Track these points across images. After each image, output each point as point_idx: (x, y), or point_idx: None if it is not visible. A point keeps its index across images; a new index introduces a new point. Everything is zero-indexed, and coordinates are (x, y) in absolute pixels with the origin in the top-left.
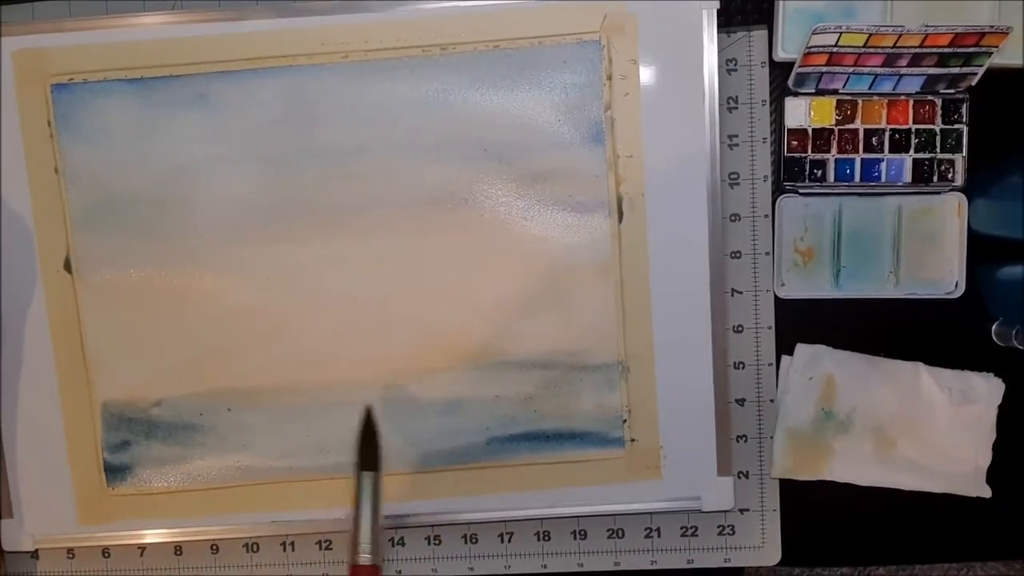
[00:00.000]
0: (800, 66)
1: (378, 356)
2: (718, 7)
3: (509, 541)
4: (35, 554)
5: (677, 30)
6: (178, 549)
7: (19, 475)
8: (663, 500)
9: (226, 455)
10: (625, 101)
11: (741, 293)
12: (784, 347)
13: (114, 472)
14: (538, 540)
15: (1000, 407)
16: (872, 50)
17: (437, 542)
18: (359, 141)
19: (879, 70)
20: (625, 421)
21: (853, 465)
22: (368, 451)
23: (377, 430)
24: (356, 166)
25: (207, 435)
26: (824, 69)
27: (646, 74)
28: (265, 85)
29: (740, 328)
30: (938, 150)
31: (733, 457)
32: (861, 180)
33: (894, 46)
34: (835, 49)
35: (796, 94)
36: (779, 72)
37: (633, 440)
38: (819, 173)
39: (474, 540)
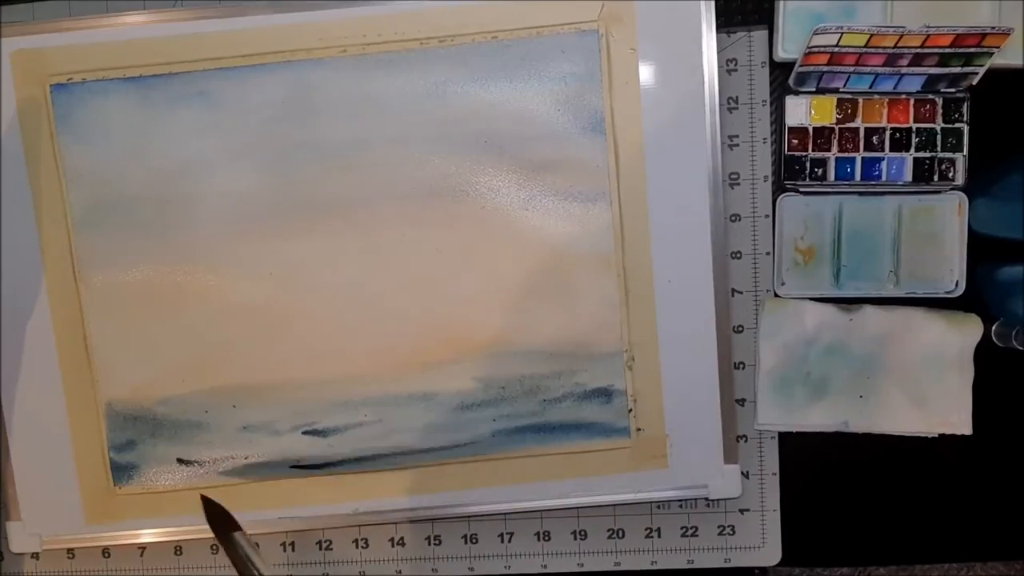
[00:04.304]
0: (801, 66)
1: (381, 350)
2: None
3: (509, 541)
4: (35, 554)
5: (676, 19)
6: (178, 549)
7: (25, 476)
8: (670, 489)
9: (232, 452)
10: (625, 90)
11: (741, 293)
12: None
13: (120, 471)
14: (538, 540)
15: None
16: (873, 50)
17: (437, 542)
18: (359, 135)
19: (880, 69)
20: (631, 410)
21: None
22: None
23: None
24: (356, 160)
25: (212, 433)
26: (825, 69)
27: (645, 63)
28: (264, 81)
29: (740, 328)
30: (939, 149)
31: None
32: (862, 179)
33: (895, 46)
34: (836, 49)
35: (797, 93)
36: (779, 72)
37: (639, 430)
38: (820, 172)
39: (474, 540)
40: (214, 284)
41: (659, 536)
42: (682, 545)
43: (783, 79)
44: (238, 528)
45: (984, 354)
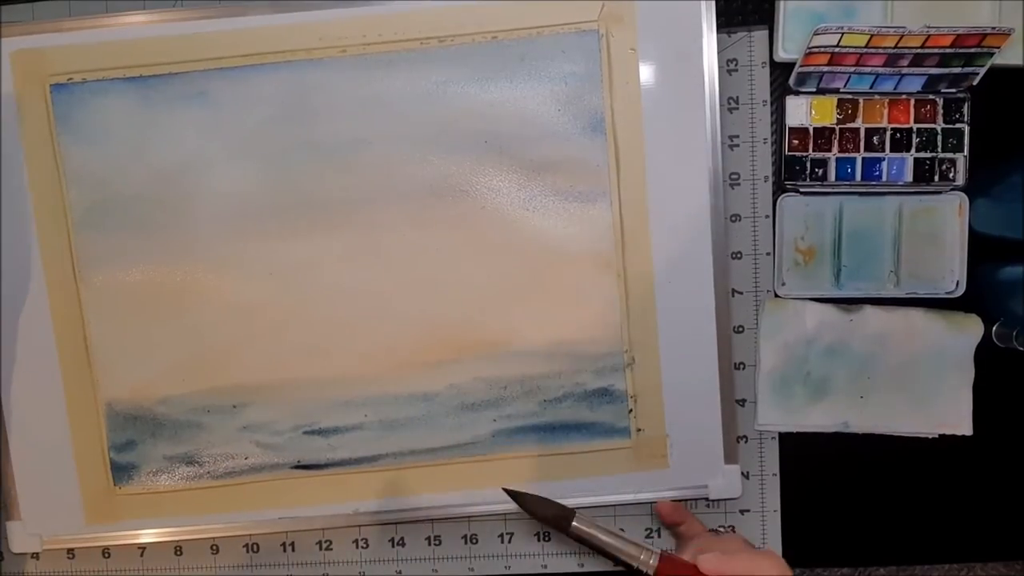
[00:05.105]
0: (801, 66)
1: (382, 350)
2: None
3: (509, 541)
4: (35, 554)
5: (676, 19)
6: (178, 549)
7: (25, 476)
8: (670, 489)
9: (232, 452)
10: (625, 90)
11: (742, 293)
12: None
13: (120, 471)
14: (538, 541)
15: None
16: (873, 50)
17: (437, 542)
18: (359, 135)
19: (880, 70)
20: (631, 411)
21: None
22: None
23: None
24: (356, 160)
25: (212, 432)
26: (825, 69)
27: (645, 63)
28: (264, 81)
29: (741, 329)
30: (939, 149)
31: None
32: (862, 179)
33: (896, 46)
34: (836, 49)
35: (797, 93)
36: (779, 72)
37: (640, 430)
38: (820, 172)
39: (474, 540)
40: (214, 284)
41: (659, 536)
42: None
43: (783, 79)
44: (572, 515)
45: (984, 354)
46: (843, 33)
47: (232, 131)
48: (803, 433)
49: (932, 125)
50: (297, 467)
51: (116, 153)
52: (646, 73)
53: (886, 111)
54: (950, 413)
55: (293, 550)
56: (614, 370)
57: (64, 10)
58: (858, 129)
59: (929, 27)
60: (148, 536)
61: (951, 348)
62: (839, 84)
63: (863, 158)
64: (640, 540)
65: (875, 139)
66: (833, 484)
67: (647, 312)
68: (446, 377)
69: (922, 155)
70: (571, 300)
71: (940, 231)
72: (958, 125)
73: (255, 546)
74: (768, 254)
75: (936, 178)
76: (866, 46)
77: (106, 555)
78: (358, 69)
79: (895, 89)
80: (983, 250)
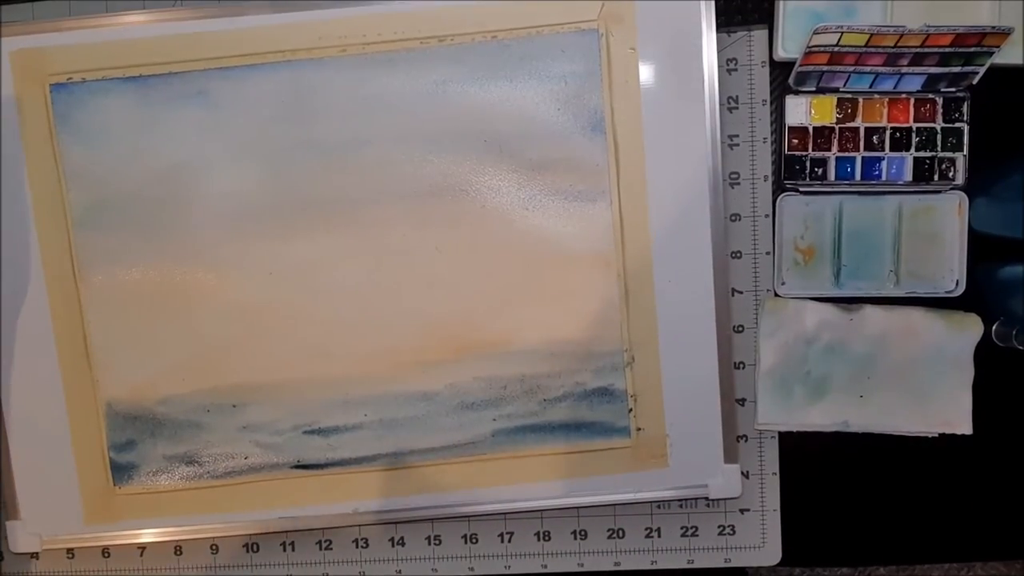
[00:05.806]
0: (801, 65)
1: (381, 349)
2: None
3: (509, 541)
4: (35, 554)
5: (676, 19)
6: (178, 549)
7: (25, 476)
8: (670, 489)
9: (232, 452)
10: (625, 89)
11: (741, 293)
12: None
13: (120, 471)
14: (538, 540)
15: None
16: (873, 50)
17: (437, 542)
18: (359, 135)
19: (880, 69)
20: (631, 410)
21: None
22: None
23: None
24: (356, 160)
25: (212, 432)
26: (825, 68)
27: (645, 62)
28: (264, 80)
29: (740, 328)
30: (939, 149)
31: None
32: (862, 178)
33: (895, 46)
34: (836, 49)
35: (797, 92)
36: (779, 72)
37: (639, 429)
38: (820, 171)
39: (474, 540)
40: (214, 284)
41: (659, 536)
42: (682, 545)
43: (783, 79)
44: None
45: (984, 353)
46: (843, 32)
47: (232, 131)
48: (803, 432)
49: (932, 124)
50: (297, 467)
51: (116, 153)
52: (646, 72)
53: (886, 110)
54: (950, 412)
55: (293, 550)
56: (614, 369)
57: (64, 10)
58: (858, 128)
59: (929, 26)
60: (148, 536)
61: (951, 347)
62: (839, 83)
63: (863, 157)
64: None
65: (875, 138)
66: (833, 483)
67: (647, 311)
68: (446, 376)
69: (922, 154)
70: (571, 299)
71: (940, 230)
72: (957, 124)
73: (255, 546)
74: (768, 253)
75: (936, 177)
76: (866, 45)
77: (106, 555)
78: (358, 68)
79: (895, 88)
80: (983, 249)
